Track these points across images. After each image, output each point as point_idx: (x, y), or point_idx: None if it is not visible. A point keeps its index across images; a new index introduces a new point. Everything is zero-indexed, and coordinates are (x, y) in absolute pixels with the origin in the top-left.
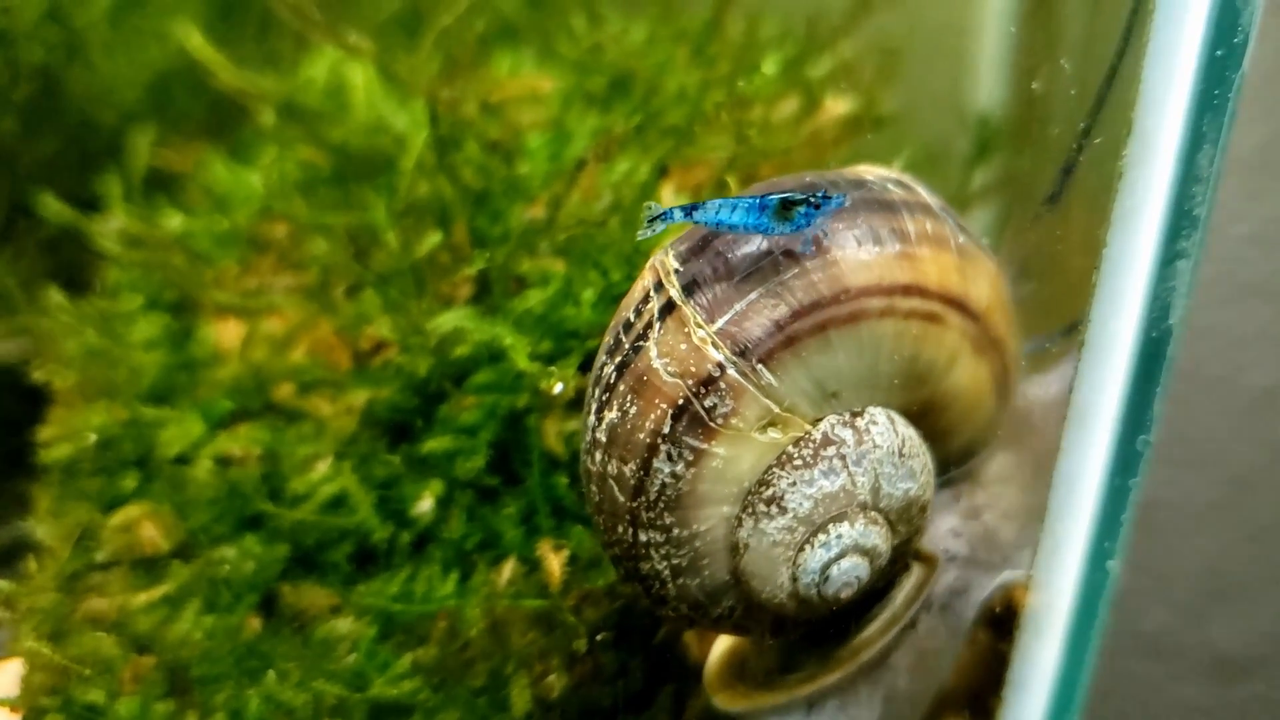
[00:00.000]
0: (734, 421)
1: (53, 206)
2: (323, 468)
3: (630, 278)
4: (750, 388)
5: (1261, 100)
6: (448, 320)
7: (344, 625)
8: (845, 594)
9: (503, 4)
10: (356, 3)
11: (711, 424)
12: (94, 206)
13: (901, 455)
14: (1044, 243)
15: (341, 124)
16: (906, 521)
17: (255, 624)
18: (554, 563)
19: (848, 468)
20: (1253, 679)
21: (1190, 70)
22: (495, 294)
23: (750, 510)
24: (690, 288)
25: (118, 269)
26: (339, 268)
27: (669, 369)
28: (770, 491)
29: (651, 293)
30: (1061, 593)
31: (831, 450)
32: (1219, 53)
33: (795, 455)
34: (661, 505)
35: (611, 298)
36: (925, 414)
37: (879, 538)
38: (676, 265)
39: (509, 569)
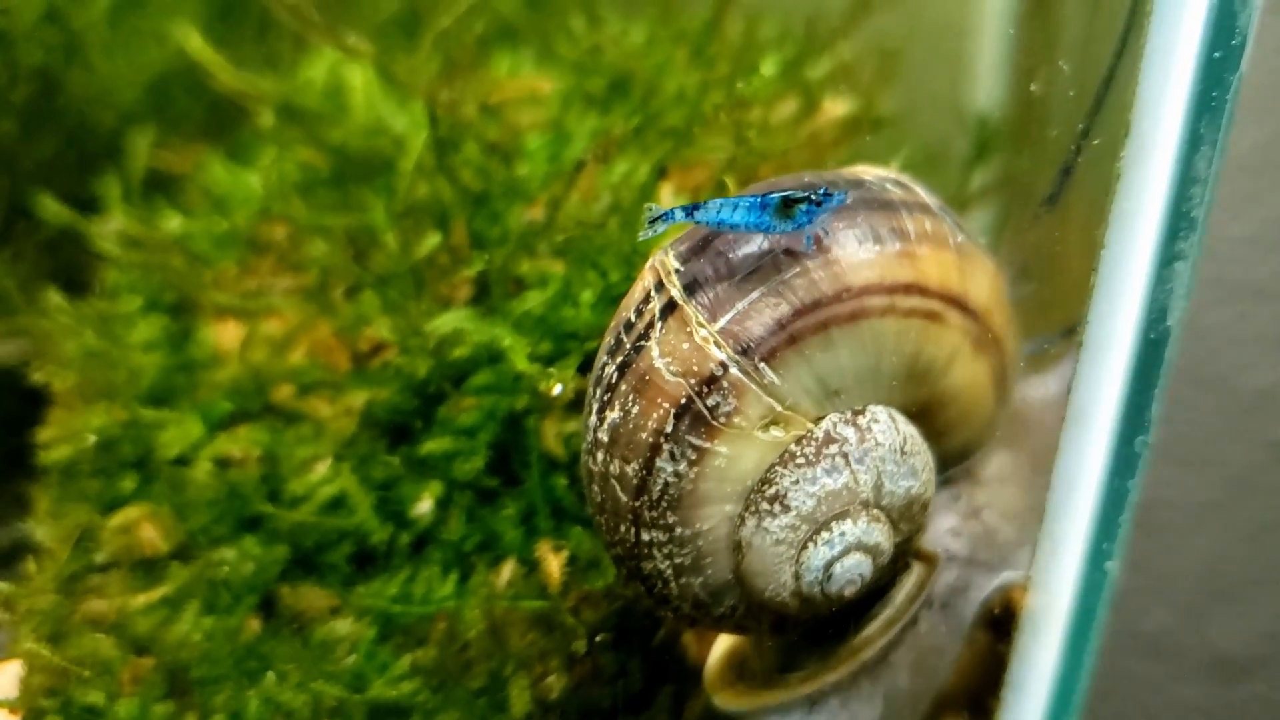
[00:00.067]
0: (737, 420)
1: (52, 208)
2: (322, 469)
3: (629, 279)
4: (753, 386)
5: (1260, 101)
6: (447, 321)
7: (343, 626)
8: (848, 591)
9: (502, 5)
10: (355, 4)
11: (714, 423)
12: (93, 208)
13: (903, 453)
14: (1043, 244)
15: (340, 125)
16: (908, 519)
17: (254, 625)
18: (553, 564)
19: (850, 465)
20: (1252, 679)
21: (1188, 72)
22: (494, 295)
23: (753, 509)
24: (691, 287)
25: (117, 270)
26: (338, 269)
27: (671, 368)
28: (773, 490)
29: (652, 293)
30: (1060, 593)
31: (834, 448)
32: (1217, 54)
33: (798, 453)
34: (664, 504)
35: (610, 299)
36: (925, 412)
37: (881, 535)
38: (677, 265)
39: (508, 570)
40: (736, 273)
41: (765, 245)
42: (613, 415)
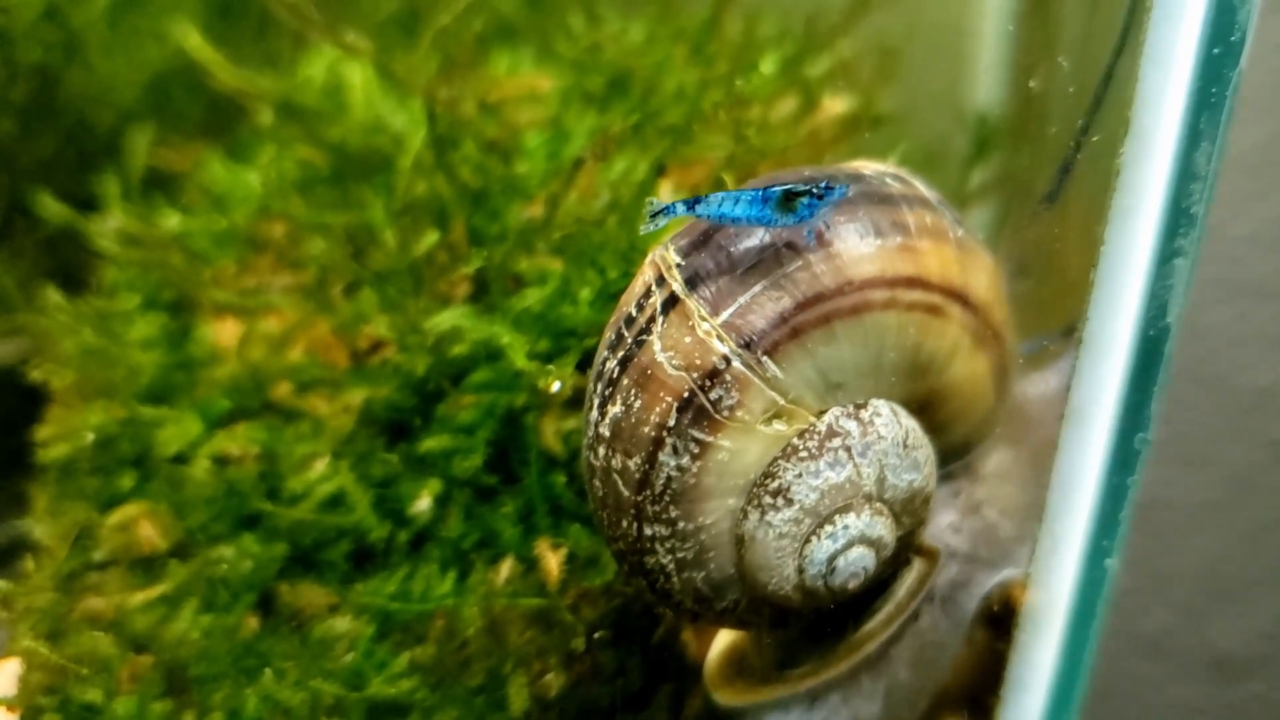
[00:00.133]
0: (739, 414)
1: (51, 206)
2: (320, 467)
3: (627, 276)
4: (756, 380)
5: (1260, 100)
6: (445, 319)
7: (341, 624)
8: (852, 585)
9: (501, 3)
10: (354, 2)
11: (717, 416)
12: (92, 206)
13: (906, 446)
14: (1042, 241)
15: (339, 123)
16: (911, 513)
17: (253, 623)
18: (552, 561)
19: (853, 459)
20: (1252, 679)
21: (1188, 68)
22: (493, 293)
23: (756, 502)
24: (693, 281)
25: (115, 268)
26: (337, 267)
27: (673, 362)
28: (776, 483)
29: (654, 287)
30: (1060, 591)
31: (837, 442)
32: (1216, 51)
33: (801, 447)
34: (666, 499)
35: (609, 296)
36: (926, 406)
37: (884, 529)
38: (678, 259)
39: (507, 568)
40: (738, 266)
41: (766, 239)
42: (614, 410)
